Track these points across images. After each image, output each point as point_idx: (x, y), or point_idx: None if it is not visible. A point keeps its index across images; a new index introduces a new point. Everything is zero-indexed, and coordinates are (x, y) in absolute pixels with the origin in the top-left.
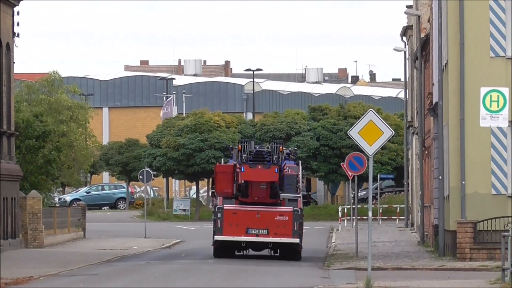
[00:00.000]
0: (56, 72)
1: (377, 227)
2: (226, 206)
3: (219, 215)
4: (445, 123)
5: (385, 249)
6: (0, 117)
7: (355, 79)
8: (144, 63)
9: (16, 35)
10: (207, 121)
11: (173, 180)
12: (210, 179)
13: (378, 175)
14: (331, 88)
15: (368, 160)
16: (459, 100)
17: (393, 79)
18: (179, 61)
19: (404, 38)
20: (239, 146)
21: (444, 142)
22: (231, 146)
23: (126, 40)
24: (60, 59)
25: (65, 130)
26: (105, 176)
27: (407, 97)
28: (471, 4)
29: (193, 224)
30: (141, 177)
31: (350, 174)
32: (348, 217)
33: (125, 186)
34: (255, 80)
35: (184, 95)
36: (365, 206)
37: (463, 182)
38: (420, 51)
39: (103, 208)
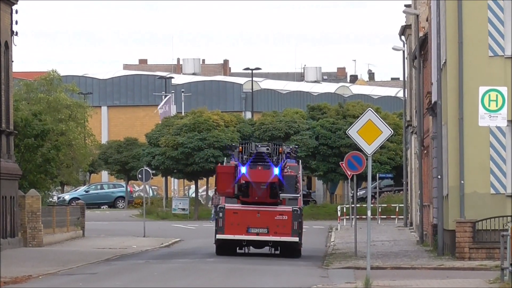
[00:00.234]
0: (55, 71)
1: (376, 226)
2: (227, 206)
3: (220, 214)
4: (444, 123)
5: (384, 249)
6: None
7: (354, 78)
8: (143, 62)
9: (14, 33)
10: (206, 120)
11: (172, 179)
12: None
13: (377, 175)
14: (330, 87)
15: (367, 159)
16: (457, 99)
17: (392, 78)
18: (178, 60)
19: (402, 37)
20: (240, 147)
21: (443, 142)
22: (229, 145)
23: (125, 39)
24: (59, 58)
25: (64, 129)
26: (104, 175)
27: (406, 96)
28: (469, 3)
29: (192, 223)
30: (140, 176)
31: (349, 173)
32: (347, 216)
33: (124, 185)
34: (254, 79)
35: (183, 94)
36: (364, 205)
37: (462, 182)
38: (419, 50)
39: (102, 207)
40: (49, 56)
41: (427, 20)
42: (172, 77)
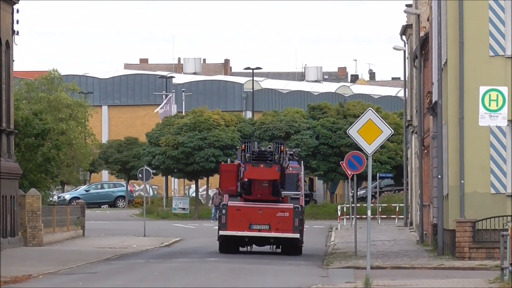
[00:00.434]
0: (56, 70)
1: (376, 226)
2: (230, 203)
3: (223, 211)
4: (444, 122)
5: (384, 248)
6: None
7: (355, 78)
8: (144, 61)
9: (15, 33)
10: (206, 119)
11: (172, 178)
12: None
13: (378, 174)
14: (330, 87)
15: (367, 159)
16: (458, 99)
17: (393, 78)
18: (179, 59)
19: (403, 37)
20: (243, 146)
21: (443, 141)
22: (232, 145)
23: (125, 39)
24: (59, 57)
25: (65, 128)
26: (105, 174)
27: (407, 96)
28: (470, 3)
29: (192, 222)
30: (140, 175)
31: (350, 173)
32: (347, 216)
33: (124, 185)
34: (255, 78)
35: (183, 93)
36: (364, 205)
37: (462, 181)
38: (420, 50)
39: (102, 206)
40: (50, 56)
41: (428, 20)
42: (173, 77)
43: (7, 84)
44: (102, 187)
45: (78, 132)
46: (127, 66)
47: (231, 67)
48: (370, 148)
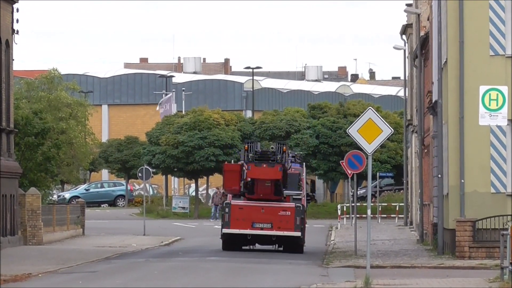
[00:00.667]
0: (56, 70)
1: (376, 225)
2: (233, 202)
3: (227, 210)
4: (444, 122)
5: (384, 247)
6: None
7: (355, 77)
8: (144, 60)
9: (15, 32)
10: (206, 118)
11: (172, 177)
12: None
13: (378, 174)
14: (330, 86)
15: (367, 158)
16: (458, 98)
17: (393, 78)
18: (179, 58)
19: (403, 36)
20: (246, 146)
21: (444, 141)
22: (237, 147)
23: (126, 38)
24: (59, 56)
25: (65, 127)
26: (104, 173)
27: (407, 95)
28: (470, 2)
29: (192, 221)
30: (140, 174)
31: (350, 172)
32: (347, 215)
33: (124, 184)
34: (255, 78)
35: (183, 92)
36: (364, 204)
37: (462, 181)
38: (420, 49)
39: (102, 205)
40: (50, 55)
41: (428, 19)
42: (173, 76)
43: (7, 83)
44: (102, 186)
45: (78, 131)
46: (127, 65)
47: (231, 66)
48: (370, 147)
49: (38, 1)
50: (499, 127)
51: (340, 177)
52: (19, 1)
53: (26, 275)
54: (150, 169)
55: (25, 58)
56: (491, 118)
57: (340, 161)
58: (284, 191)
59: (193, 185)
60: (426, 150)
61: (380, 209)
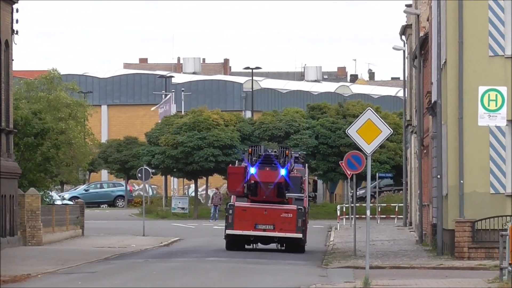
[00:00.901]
0: (55, 70)
1: (376, 226)
2: (237, 204)
3: (230, 211)
4: (443, 122)
5: (384, 248)
6: None
7: (354, 78)
8: (143, 61)
9: (15, 32)
10: (205, 119)
11: (172, 178)
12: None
13: (377, 174)
14: (330, 87)
15: (366, 158)
16: (457, 99)
17: (392, 78)
18: (178, 59)
19: (403, 37)
20: (250, 149)
21: (443, 141)
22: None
23: (125, 38)
24: (59, 57)
25: (64, 127)
26: (104, 174)
27: (406, 96)
28: (470, 3)
29: (191, 222)
30: (139, 175)
31: (349, 172)
32: (347, 216)
33: (124, 184)
34: (254, 78)
35: (183, 93)
36: (363, 204)
37: (462, 181)
38: (419, 50)
39: (102, 206)
40: (50, 55)
41: (427, 20)
42: (172, 76)
43: (7, 84)
44: (101, 187)
45: (78, 131)
46: (126, 65)
47: (230, 67)
48: (369, 148)
49: (38, 1)
50: (498, 127)
51: (339, 177)
52: (18, 1)
53: (25, 275)
54: (149, 169)
55: (25, 58)
56: (490, 118)
57: (340, 162)
58: (287, 194)
59: (192, 186)
60: (425, 151)
61: (379, 209)
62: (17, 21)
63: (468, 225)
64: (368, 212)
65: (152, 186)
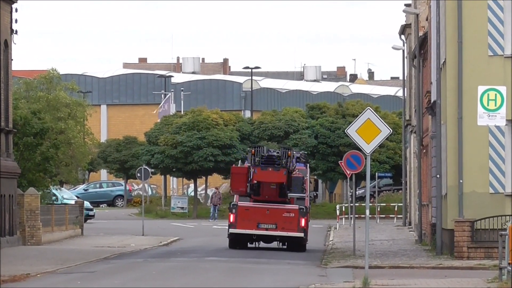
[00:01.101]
0: (55, 70)
1: (375, 225)
2: (240, 203)
3: (233, 210)
4: (443, 122)
5: (383, 248)
6: None
7: (354, 78)
8: (143, 60)
9: (14, 32)
10: (205, 118)
11: (171, 177)
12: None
13: (376, 174)
14: (329, 86)
15: (366, 158)
16: (457, 98)
17: (392, 78)
18: (178, 58)
19: (402, 36)
20: (253, 150)
21: (442, 141)
22: (246, 153)
23: (124, 38)
24: (58, 56)
25: (63, 127)
26: (103, 173)
27: (406, 95)
28: (469, 3)
29: (191, 222)
30: (139, 174)
31: (348, 172)
32: (346, 216)
33: (123, 184)
34: (253, 78)
35: (182, 92)
36: (363, 204)
37: (461, 181)
38: (419, 49)
39: (101, 205)
40: (49, 55)
41: (427, 20)
42: (172, 76)
43: (6, 83)
44: (100, 186)
45: (77, 131)
46: (126, 65)
47: (230, 67)
48: (368, 147)
49: (37, 0)
50: (497, 127)
51: (338, 177)
52: (18, 1)
53: (24, 275)
54: (148, 169)
55: (24, 58)
56: (490, 118)
57: (339, 161)
58: (289, 193)
59: (191, 185)
60: (424, 150)
61: (378, 209)
62: (16, 21)
63: (468, 224)
64: (367, 212)
65: (152, 186)
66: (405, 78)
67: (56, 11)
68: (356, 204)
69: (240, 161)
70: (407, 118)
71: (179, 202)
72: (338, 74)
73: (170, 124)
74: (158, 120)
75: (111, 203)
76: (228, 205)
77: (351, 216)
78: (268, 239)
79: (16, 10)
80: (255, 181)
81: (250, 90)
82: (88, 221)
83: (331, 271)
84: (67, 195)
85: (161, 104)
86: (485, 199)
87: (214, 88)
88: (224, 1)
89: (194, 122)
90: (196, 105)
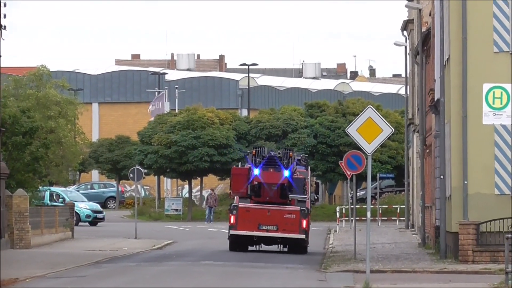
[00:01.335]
0: (45, 66)
1: (376, 228)
2: (241, 205)
3: (234, 212)
4: (447, 121)
5: (385, 251)
6: None
7: (354, 75)
8: (136, 57)
9: (3, 27)
10: (200, 117)
11: (165, 178)
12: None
13: (378, 174)
14: (329, 84)
15: (367, 158)
16: (461, 96)
17: (394, 75)
18: (172, 55)
19: (404, 32)
20: (254, 151)
21: (446, 140)
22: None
23: (117, 34)
24: (48, 53)
25: (54, 126)
26: (95, 174)
27: (408, 93)
28: None
29: (185, 224)
30: (131, 175)
31: (349, 173)
32: (346, 218)
33: (115, 185)
34: (251, 75)
35: (176, 90)
36: (364, 206)
37: (466, 182)
38: (421, 45)
39: None
40: (39, 51)
41: (430, 15)
42: (166, 73)
43: None
44: (92, 188)
45: (68, 130)
46: (118, 62)
47: (226, 63)
48: (369, 147)
49: None
50: (503, 126)
51: (338, 178)
52: None
53: (13, 279)
54: (142, 169)
55: (13, 53)
56: (495, 117)
57: (339, 162)
58: (290, 195)
59: (186, 187)
60: (428, 150)
61: (380, 211)
62: (5, 16)
63: (473, 227)
64: (368, 214)
65: (145, 187)
66: (408, 76)
67: (46, 6)
68: (357, 206)
69: (240, 163)
70: (410, 116)
71: (173, 204)
72: (338, 71)
73: (164, 123)
74: (152, 119)
75: (103, 205)
76: (229, 206)
77: (352, 218)
78: (269, 240)
79: (5, 5)
80: (256, 182)
81: (247, 87)
82: (98, 224)
83: (331, 275)
84: (74, 194)
85: (153, 101)
86: (490, 200)
87: (210, 86)
88: None
89: (189, 121)
90: (191, 103)
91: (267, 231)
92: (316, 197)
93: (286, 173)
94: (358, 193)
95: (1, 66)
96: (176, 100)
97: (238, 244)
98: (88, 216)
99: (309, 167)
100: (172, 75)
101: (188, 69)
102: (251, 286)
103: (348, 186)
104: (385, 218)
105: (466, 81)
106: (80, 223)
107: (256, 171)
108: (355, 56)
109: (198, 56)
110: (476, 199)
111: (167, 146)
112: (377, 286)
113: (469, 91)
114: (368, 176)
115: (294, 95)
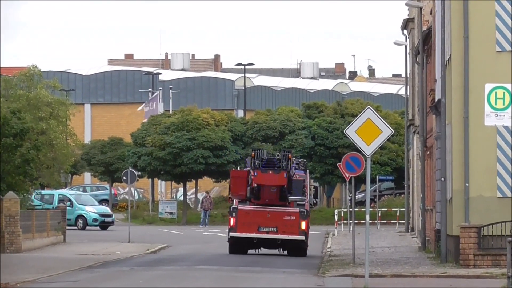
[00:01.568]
0: (36, 66)
1: (376, 231)
2: (240, 207)
3: (234, 214)
4: (448, 122)
5: (384, 255)
6: None
7: (353, 75)
8: (129, 56)
9: None
10: (195, 118)
11: (159, 181)
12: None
13: (377, 177)
14: (327, 84)
15: (366, 160)
16: (462, 97)
17: (393, 75)
18: (166, 55)
19: (405, 31)
20: (253, 153)
21: (447, 142)
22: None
23: (110, 33)
24: (39, 52)
25: (45, 127)
26: (87, 176)
27: (408, 94)
28: None
29: (180, 228)
30: (124, 178)
31: (347, 175)
32: (345, 221)
33: (108, 188)
34: (247, 75)
35: (171, 91)
36: (362, 209)
37: (467, 185)
38: (422, 45)
39: None
40: (29, 50)
41: (431, 13)
42: (160, 73)
43: None
44: (84, 190)
45: (59, 131)
46: (111, 61)
47: (221, 63)
48: (369, 149)
49: None
50: (505, 127)
51: (337, 180)
52: None
53: (3, 285)
54: (135, 172)
55: (3, 54)
56: (497, 118)
57: (337, 164)
58: (289, 197)
59: (181, 189)
60: (428, 152)
61: (379, 214)
62: None
63: (474, 231)
64: (367, 217)
65: (138, 190)
66: (408, 76)
67: (37, 5)
68: (355, 209)
69: (235, 165)
70: (410, 117)
71: (167, 207)
72: (337, 71)
73: (158, 124)
74: (145, 120)
75: None
76: (228, 209)
77: (351, 221)
78: (269, 242)
79: None
80: (255, 185)
81: (243, 88)
82: (108, 228)
83: (329, 280)
84: (84, 197)
85: (147, 101)
86: (492, 203)
87: (205, 86)
88: None
89: (184, 122)
90: (185, 104)
91: (267, 233)
92: (315, 201)
93: (285, 175)
94: (357, 196)
95: None
96: (171, 100)
97: (238, 246)
98: (95, 220)
99: (307, 171)
100: (166, 75)
101: (183, 69)
102: None
103: (346, 189)
104: (385, 221)
105: (468, 81)
106: (88, 227)
107: (255, 173)
108: (354, 55)
109: (193, 55)
110: (477, 202)
111: (161, 148)
112: None
113: (470, 91)
114: (367, 179)
115: (292, 96)
